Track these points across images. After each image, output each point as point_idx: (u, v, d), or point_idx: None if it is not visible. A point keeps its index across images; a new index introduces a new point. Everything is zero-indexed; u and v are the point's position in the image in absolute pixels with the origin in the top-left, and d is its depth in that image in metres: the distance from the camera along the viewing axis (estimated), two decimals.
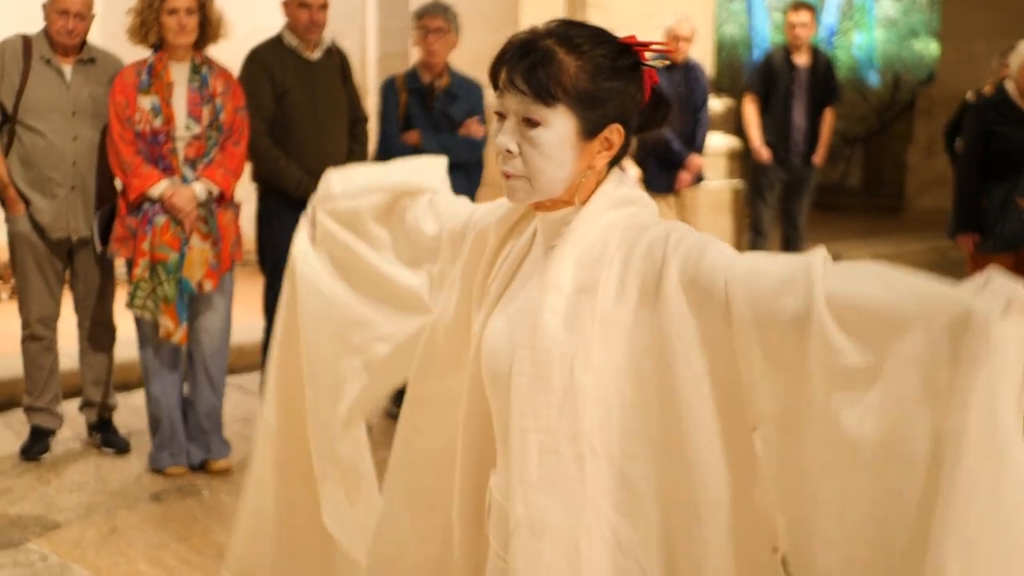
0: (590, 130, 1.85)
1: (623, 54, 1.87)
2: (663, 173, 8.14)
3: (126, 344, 5.76)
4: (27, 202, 5.24)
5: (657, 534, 1.81)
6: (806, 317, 1.65)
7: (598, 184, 1.91)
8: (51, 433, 5.52)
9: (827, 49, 14.56)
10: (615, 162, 1.93)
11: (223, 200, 5.16)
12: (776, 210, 9.21)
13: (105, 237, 5.26)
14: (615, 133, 1.87)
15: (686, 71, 8.16)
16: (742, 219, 9.17)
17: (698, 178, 8.24)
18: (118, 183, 5.27)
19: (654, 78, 1.91)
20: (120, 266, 5.48)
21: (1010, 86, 6.48)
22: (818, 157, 9.03)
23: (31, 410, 5.47)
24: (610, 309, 1.81)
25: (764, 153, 8.87)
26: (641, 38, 1.92)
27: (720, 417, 1.76)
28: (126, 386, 6.19)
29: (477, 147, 6.55)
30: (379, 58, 9.86)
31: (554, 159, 1.85)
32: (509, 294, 1.98)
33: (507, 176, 1.88)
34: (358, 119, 5.74)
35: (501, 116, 1.88)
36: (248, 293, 6.15)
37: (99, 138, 5.24)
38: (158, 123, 5.03)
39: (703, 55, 8.76)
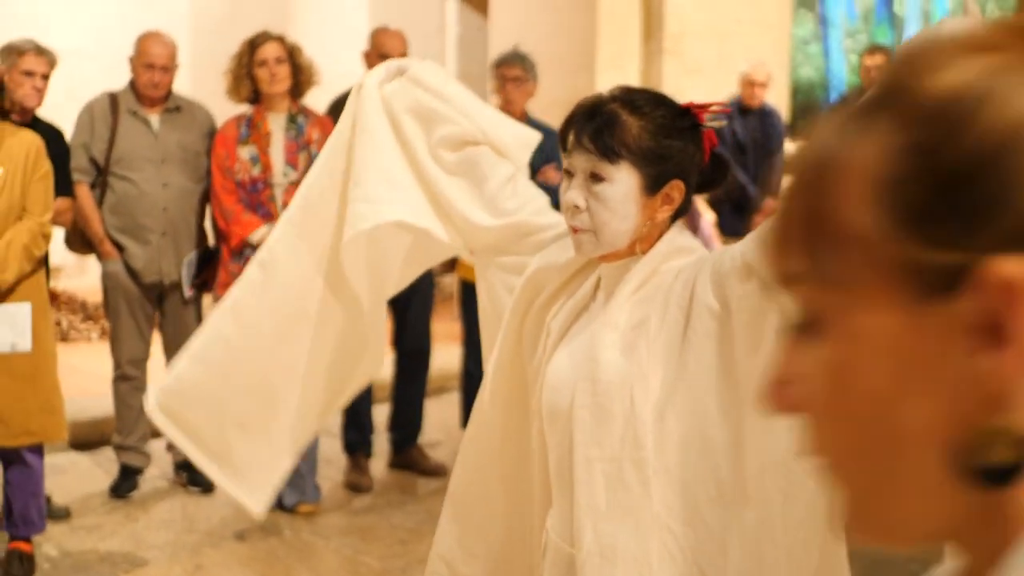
0: (652, 186, 1.99)
1: (682, 116, 2.00)
2: (737, 217, 8.18)
3: None
4: (120, 248, 5.42)
5: (714, 535, 1.91)
6: None
7: (660, 236, 2.03)
8: (139, 471, 5.67)
9: None
10: (675, 219, 2.06)
11: None
12: None
13: (193, 281, 5.43)
14: (675, 190, 2.01)
15: (761, 116, 8.21)
16: None
17: None
18: (207, 229, 5.44)
19: (713, 140, 2.04)
20: (208, 308, 5.63)
21: None
22: None
23: (120, 449, 5.63)
24: (659, 334, 1.93)
25: None
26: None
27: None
28: None
29: (553, 193, 6.63)
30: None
31: (619, 213, 1.98)
32: (571, 334, 2.08)
33: (575, 231, 2.01)
34: None
35: (569, 174, 2.01)
36: None
37: (190, 185, 5.42)
38: (256, 172, 5.20)
39: (779, 99, 8.81)
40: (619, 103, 1.99)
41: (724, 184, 2.09)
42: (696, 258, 2.00)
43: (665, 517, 1.90)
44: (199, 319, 5.63)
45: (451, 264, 6.21)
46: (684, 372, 1.91)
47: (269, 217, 5.23)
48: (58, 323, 8.07)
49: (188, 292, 5.46)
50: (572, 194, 1.99)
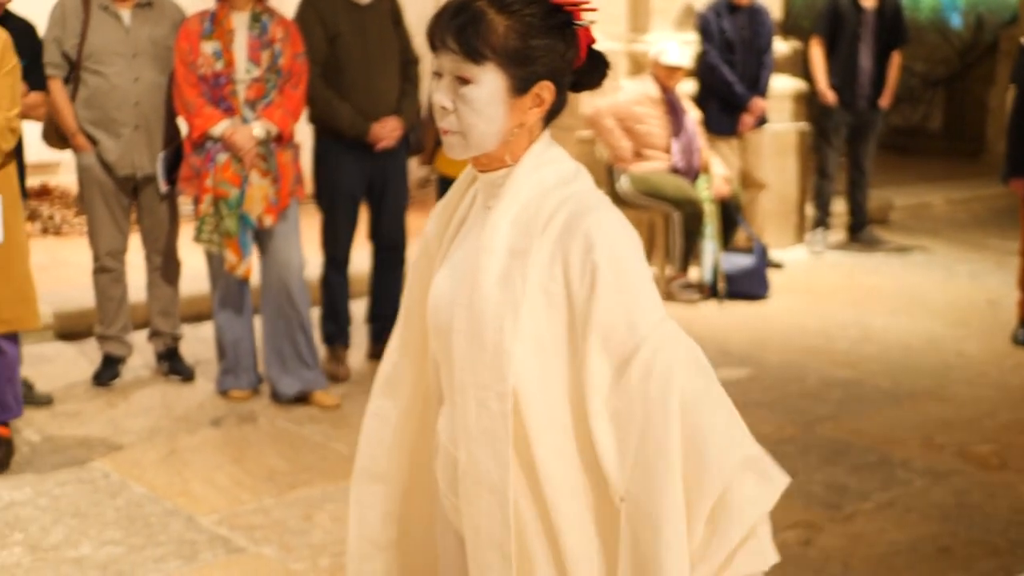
0: (520, 87, 1.96)
1: (553, 13, 1.97)
2: (725, 116, 8.22)
3: (196, 278, 6.04)
4: (94, 142, 5.51)
5: (582, 498, 1.97)
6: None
7: (531, 143, 2.02)
8: (121, 360, 5.82)
9: None
10: (549, 119, 2.04)
11: (282, 140, 5.37)
12: (842, 153, 9.23)
13: (169, 177, 5.52)
14: (546, 90, 1.98)
15: (751, 13, 8.20)
16: (807, 162, 9.20)
17: (761, 121, 8.30)
18: (182, 125, 5.53)
19: (590, 37, 2.01)
20: (187, 203, 5.73)
21: None
22: (884, 101, 9.03)
23: (103, 339, 5.78)
24: (538, 279, 1.93)
25: (829, 96, 8.90)
26: None
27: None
28: (196, 318, 6.48)
29: None
30: None
31: (484, 114, 1.95)
32: (452, 251, 2.10)
33: (444, 132, 2.00)
34: (409, 61, 5.91)
35: (438, 75, 2.00)
36: (307, 231, 6.38)
37: (161, 80, 5.49)
38: (219, 66, 5.27)
39: None
40: (487, 1, 1.94)
41: (600, 81, 2.06)
42: (600, 235, 1.93)
43: (528, 465, 1.95)
44: (175, 213, 5.75)
45: (430, 157, 6.28)
46: (548, 340, 1.94)
47: (230, 111, 5.30)
48: (51, 218, 8.21)
49: (163, 187, 5.55)
50: (439, 95, 1.98)
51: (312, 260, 5.84)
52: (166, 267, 5.79)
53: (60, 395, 5.54)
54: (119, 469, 4.75)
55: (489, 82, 1.95)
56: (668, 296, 7.43)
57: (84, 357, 6.11)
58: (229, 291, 5.51)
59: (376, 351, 6.11)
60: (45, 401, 5.42)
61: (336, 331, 6.00)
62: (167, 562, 4.00)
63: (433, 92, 2.01)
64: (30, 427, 5.13)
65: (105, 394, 5.63)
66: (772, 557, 1.93)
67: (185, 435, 5.14)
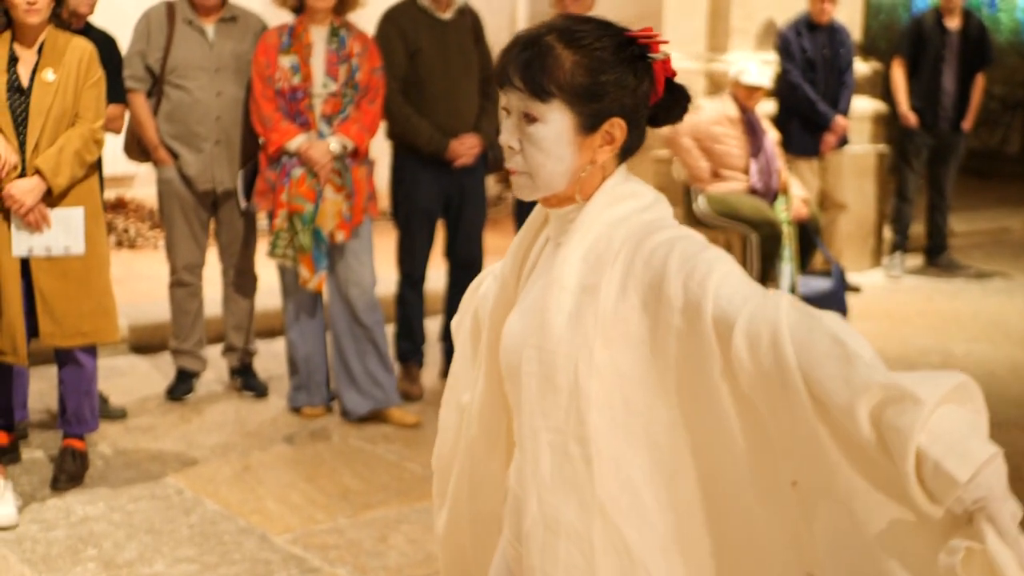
0: (589, 125, 1.87)
1: (625, 47, 1.88)
2: (807, 135, 8.10)
3: (270, 293, 6.02)
4: (175, 156, 5.50)
5: (662, 540, 1.85)
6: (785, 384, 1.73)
7: (603, 180, 1.93)
8: (195, 375, 5.80)
9: (990, 12, 14.19)
10: (626, 156, 1.95)
11: (357, 156, 5.34)
12: (922, 176, 9.07)
13: (249, 193, 5.51)
14: (617, 128, 1.89)
15: (831, 32, 8.10)
16: (887, 184, 9.05)
17: (842, 141, 8.18)
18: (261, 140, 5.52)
19: (669, 70, 1.91)
20: (262, 218, 5.72)
21: None
22: (967, 123, 8.87)
23: (177, 353, 5.76)
24: (611, 311, 1.84)
25: (911, 118, 8.75)
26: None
27: (750, 454, 1.81)
28: (269, 333, 6.46)
29: None
30: (530, 17, 9.97)
31: (553, 154, 1.87)
32: (525, 290, 2.00)
33: (511, 172, 1.92)
34: (489, 78, 5.85)
35: (507, 112, 1.92)
36: (383, 247, 6.34)
37: (243, 95, 5.48)
38: (296, 81, 5.25)
39: (851, 17, 8.66)
40: (556, 34, 1.86)
41: (681, 115, 1.95)
42: (668, 243, 1.84)
43: (608, 506, 1.85)
44: (252, 229, 5.73)
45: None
46: (638, 371, 1.84)
47: (307, 126, 5.27)
48: (125, 231, 8.23)
49: (243, 204, 5.54)
50: (506, 135, 1.90)
51: (387, 277, 5.80)
52: (242, 282, 5.77)
53: (133, 409, 5.53)
54: (192, 485, 4.71)
55: (556, 120, 1.86)
56: None
57: (157, 371, 6.10)
58: (302, 307, 5.48)
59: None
60: (119, 415, 5.41)
61: (411, 349, 5.95)
62: None
63: (501, 131, 1.93)
64: (104, 441, 5.12)
65: (178, 409, 5.61)
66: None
67: (258, 452, 5.11)
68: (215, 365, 6.01)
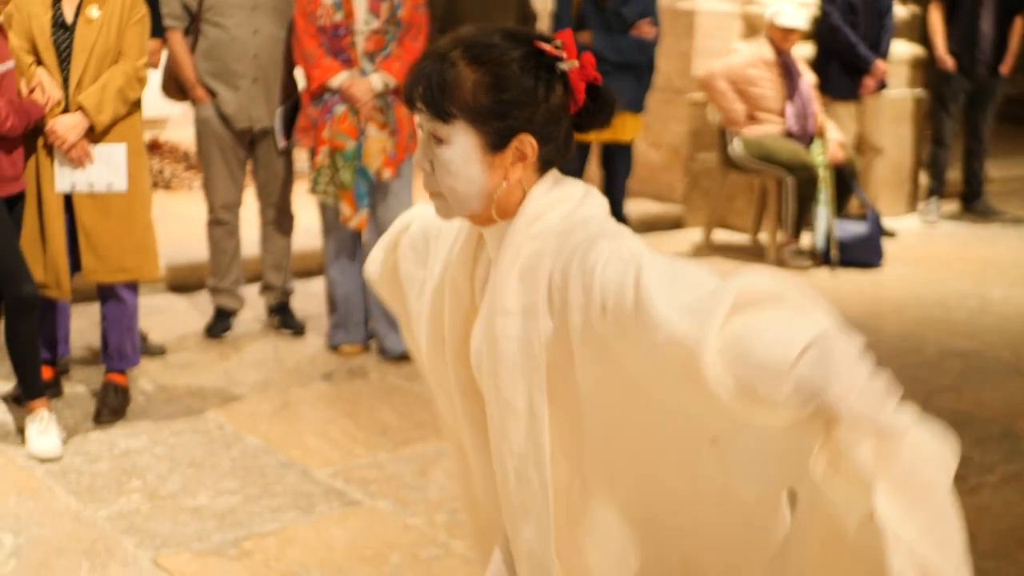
0: (495, 144, 1.80)
1: (530, 59, 1.79)
2: (846, 78, 8.04)
3: (307, 233, 6.04)
4: (213, 94, 5.51)
5: (621, 556, 1.87)
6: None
7: (525, 194, 1.84)
8: (233, 313, 5.84)
9: None
10: (547, 168, 1.86)
11: (400, 92, 5.34)
12: (959, 121, 9.00)
13: (287, 131, 5.52)
14: (526, 144, 1.80)
15: None
16: (923, 130, 8.98)
17: (881, 85, 8.11)
18: (299, 79, 5.51)
19: (589, 75, 1.82)
20: (302, 159, 5.72)
21: None
22: (1005, 67, 8.78)
23: (215, 291, 5.80)
24: (551, 333, 1.78)
25: (948, 62, 8.67)
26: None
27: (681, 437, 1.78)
28: (306, 274, 6.49)
29: (648, 48, 6.58)
30: None
31: (462, 176, 1.80)
32: (482, 304, 1.91)
33: (429, 194, 1.86)
34: (527, 16, 5.84)
35: (421, 129, 1.85)
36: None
37: (281, 33, 5.47)
38: (339, 17, 5.23)
39: None
40: (461, 50, 1.77)
41: (608, 120, 1.85)
42: (580, 242, 1.76)
43: (575, 528, 1.86)
44: (290, 168, 5.74)
45: None
46: (585, 390, 1.79)
47: (349, 63, 5.27)
48: (161, 172, 8.25)
49: (282, 143, 5.55)
50: (418, 156, 1.85)
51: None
52: (280, 221, 5.79)
53: (173, 346, 5.57)
54: (233, 420, 4.76)
55: (462, 141, 1.79)
56: (779, 262, 7.31)
57: (195, 310, 6.14)
58: (342, 245, 5.50)
59: None
60: (158, 352, 5.46)
61: None
62: (284, 512, 4.00)
63: (417, 150, 1.87)
64: (144, 376, 5.17)
65: (217, 346, 5.65)
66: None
67: (297, 389, 5.15)
68: (252, 304, 6.04)
